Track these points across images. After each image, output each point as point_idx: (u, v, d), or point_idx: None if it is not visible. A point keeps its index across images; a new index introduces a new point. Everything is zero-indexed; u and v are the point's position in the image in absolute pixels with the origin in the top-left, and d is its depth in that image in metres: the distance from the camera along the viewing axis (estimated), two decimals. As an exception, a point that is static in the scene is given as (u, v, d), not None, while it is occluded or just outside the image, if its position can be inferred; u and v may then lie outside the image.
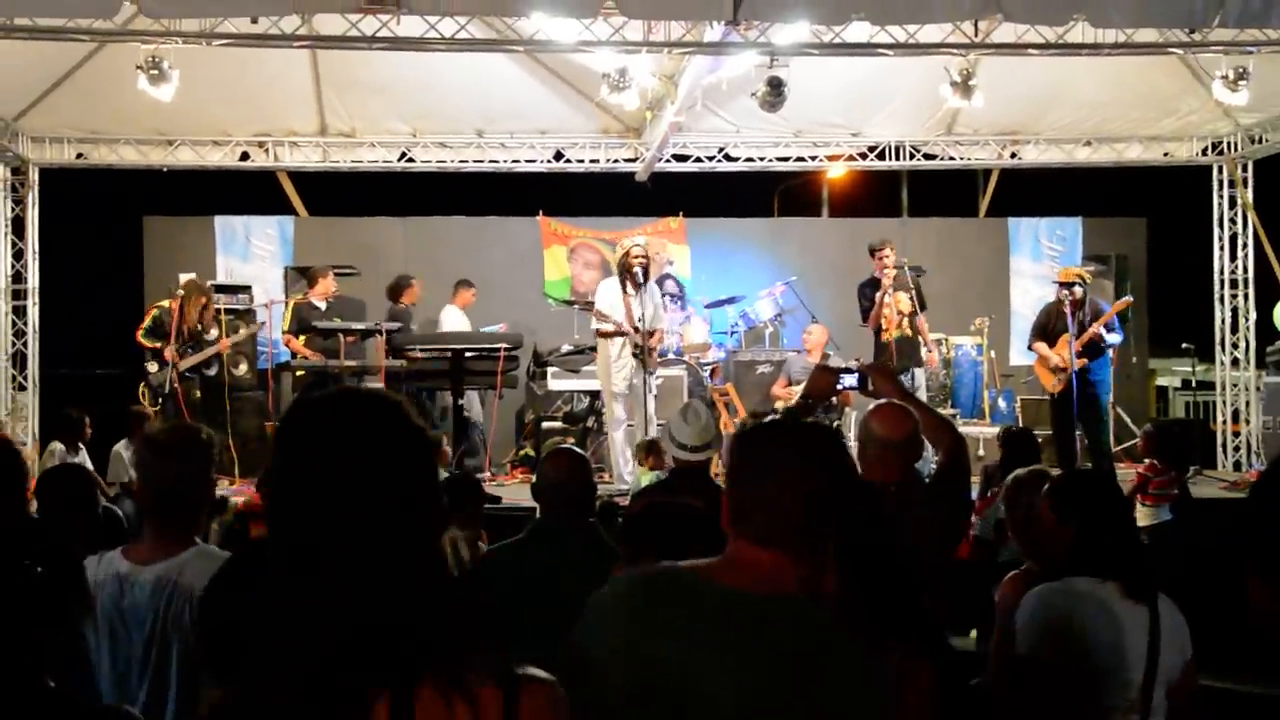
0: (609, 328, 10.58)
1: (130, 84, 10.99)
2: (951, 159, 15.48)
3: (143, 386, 11.19)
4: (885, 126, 14.96)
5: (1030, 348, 11.56)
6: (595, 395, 12.39)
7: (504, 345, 11.60)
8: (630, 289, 10.49)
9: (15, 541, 2.16)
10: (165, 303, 11.43)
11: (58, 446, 10.44)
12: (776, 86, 11.34)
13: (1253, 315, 15.27)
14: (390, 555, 1.67)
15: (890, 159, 15.33)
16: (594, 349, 11.80)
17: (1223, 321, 15.47)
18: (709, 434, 5.72)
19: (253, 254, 15.64)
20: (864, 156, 15.44)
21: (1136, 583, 3.51)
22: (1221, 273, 15.43)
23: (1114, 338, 11.13)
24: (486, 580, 4.25)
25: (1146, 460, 8.95)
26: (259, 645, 1.69)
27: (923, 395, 11.40)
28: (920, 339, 11.74)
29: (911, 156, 15.33)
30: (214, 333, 11.70)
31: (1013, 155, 15.52)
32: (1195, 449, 13.82)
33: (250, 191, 16.89)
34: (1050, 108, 14.56)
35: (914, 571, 3.05)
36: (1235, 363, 15.45)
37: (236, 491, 10.62)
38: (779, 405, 12.01)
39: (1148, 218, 17.10)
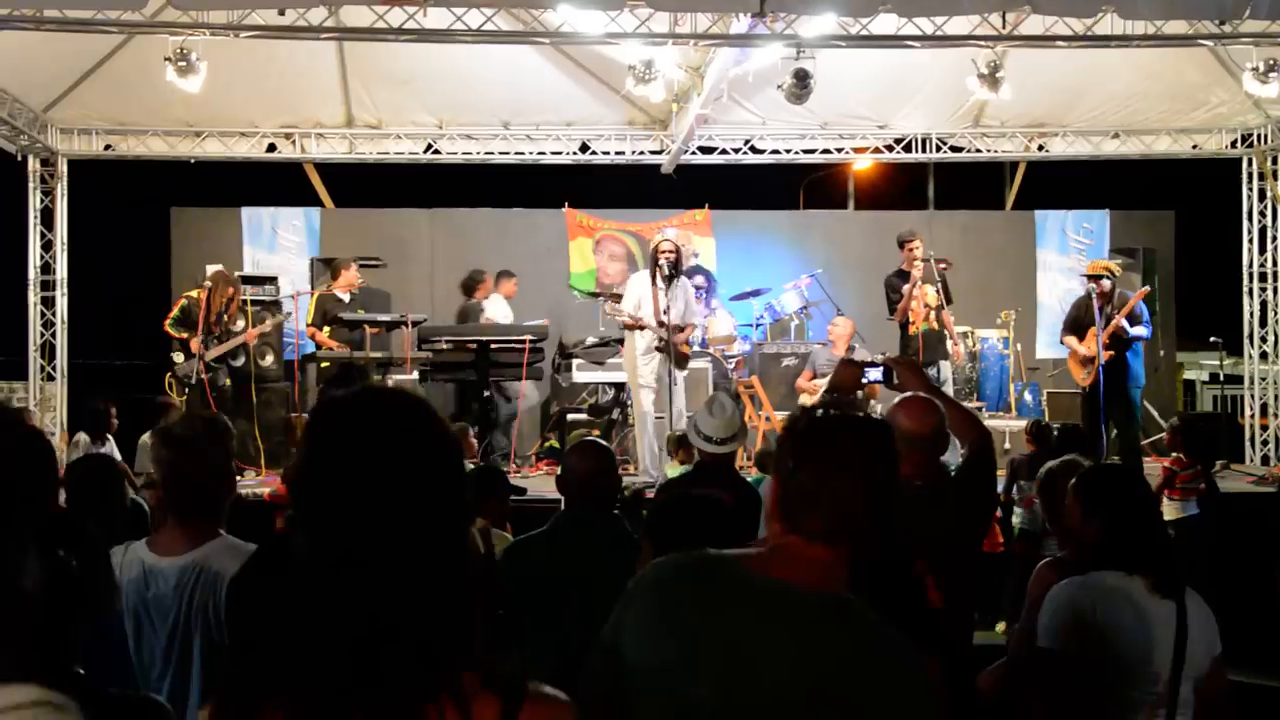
0: (626, 319, 10.58)
1: (158, 76, 11.03)
2: (979, 151, 15.42)
3: (169, 377, 11.24)
4: (912, 119, 14.92)
5: (1062, 341, 11.52)
6: (620, 387, 12.39)
7: (529, 337, 11.61)
8: (659, 282, 10.48)
9: (47, 531, 2.17)
10: (193, 293, 11.47)
11: (82, 438, 10.48)
12: (803, 78, 11.31)
13: (1281, 308, 15.20)
14: (413, 555, 1.66)
15: (917, 151, 15.30)
16: (620, 341, 11.80)
17: (1251, 315, 15.38)
18: (734, 426, 5.72)
19: (279, 245, 15.69)
20: (890, 149, 15.41)
21: (1164, 577, 3.49)
22: (1250, 266, 15.33)
23: (1139, 330, 11.05)
24: (505, 581, 4.25)
25: (1173, 454, 8.91)
26: (275, 642, 1.69)
27: (948, 389, 11.36)
28: (946, 332, 11.69)
29: (938, 149, 15.29)
30: (240, 324, 11.75)
31: (1040, 148, 15.46)
32: (1223, 443, 13.77)
33: (277, 183, 16.97)
34: (1078, 100, 14.50)
35: (911, 567, 3.02)
36: (1264, 356, 15.36)
37: (262, 482, 10.70)
38: (804, 399, 12.00)
39: (1176, 210, 16.99)
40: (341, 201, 16.64)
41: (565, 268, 15.82)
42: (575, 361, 12.89)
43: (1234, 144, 15.30)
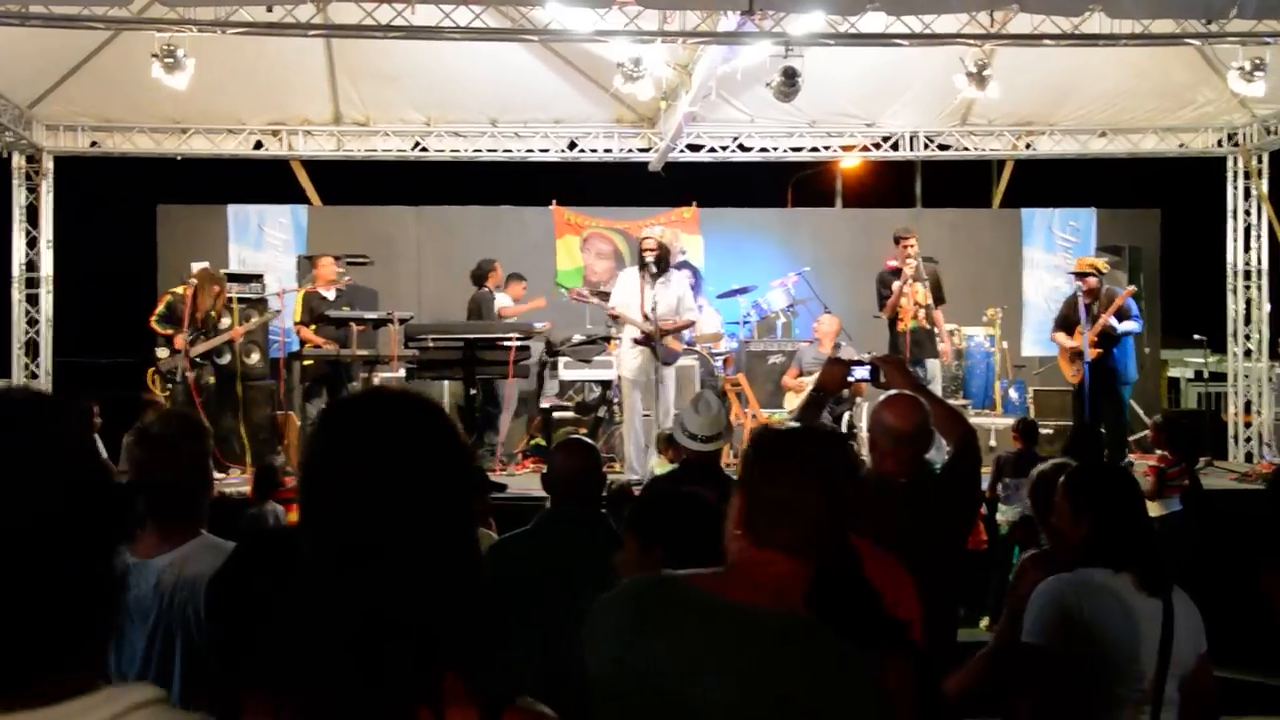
0: (609, 308, 10.64)
1: (145, 72, 11.02)
2: (966, 150, 15.46)
3: (151, 373, 11.21)
4: (900, 117, 14.95)
5: (1053, 338, 11.56)
6: (606, 385, 12.39)
7: (515, 335, 11.60)
8: (645, 278, 10.48)
9: None
10: (179, 290, 11.45)
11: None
12: (791, 76, 11.33)
13: (1266, 307, 15.24)
14: (419, 553, 1.65)
15: (905, 149, 15.34)
16: (606, 339, 11.81)
17: (1235, 313, 15.42)
18: (720, 424, 5.72)
19: (266, 242, 15.66)
20: (878, 147, 15.44)
21: (1151, 575, 3.51)
22: (1235, 264, 15.38)
23: (1127, 325, 11.09)
24: (488, 580, 4.24)
25: (1159, 452, 8.93)
26: (272, 637, 1.68)
27: (936, 387, 11.38)
28: (936, 331, 11.71)
29: (926, 147, 15.32)
30: (226, 321, 11.72)
31: (1027, 146, 15.50)
32: (1205, 440, 13.82)
33: (264, 180, 16.92)
34: (1065, 98, 14.54)
35: (862, 576, 3.03)
36: (1248, 354, 15.41)
37: (246, 480, 10.67)
38: (790, 397, 12.02)
39: (1162, 209, 17.03)
40: (329, 199, 16.60)
41: (552, 265, 15.81)
42: (562, 359, 12.88)
43: (1220, 143, 15.35)
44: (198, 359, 11.22)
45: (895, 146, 15.31)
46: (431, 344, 11.63)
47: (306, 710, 1.60)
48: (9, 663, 1.28)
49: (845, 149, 15.81)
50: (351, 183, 17.69)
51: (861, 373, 4.71)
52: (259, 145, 14.89)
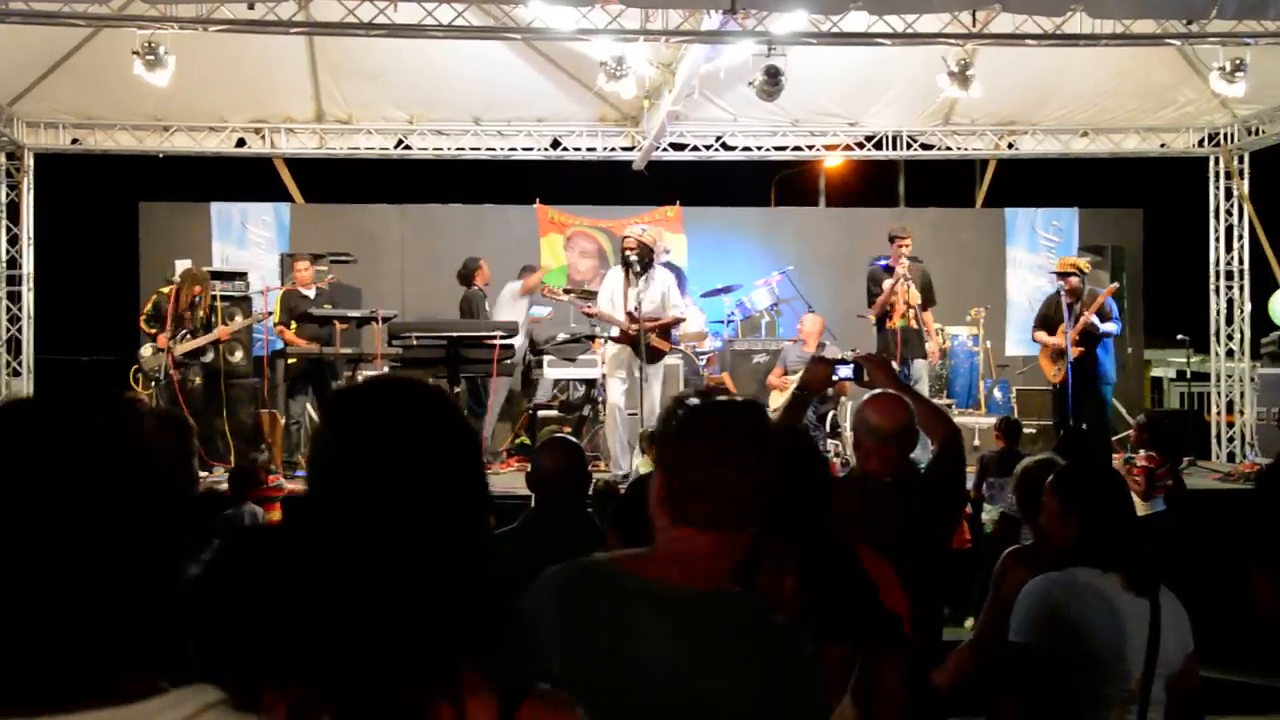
0: (584, 306, 10.66)
1: (126, 69, 10.97)
2: (949, 149, 15.48)
3: (134, 370, 11.18)
4: (883, 116, 14.96)
5: (1033, 338, 11.57)
6: (591, 384, 12.39)
7: (500, 333, 11.58)
8: (629, 277, 10.48)
9: None
10: (165, 289, 11.44)
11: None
12: (774, 75, 11.33)
13: (1248, 307, 15.31)
14: (431, 545, 1.64)
15: (887, 149, 15.34)
16: (591, 338, 11.80)
17: (1218, 313, 15.49)
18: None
19: (249, 240, 15.62)
20: (861, 146, 15.44)
21: (1138, 575, 3.51)
22: (1217, 264, 15.44)
23: (1109, 327, 11.13)
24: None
25: (1143, 452, 8.95)
26: (292, 632, 1.67)
27: (924, 387, 11.41)
28: (925, 332, 11.72)
29: (909, 146, 15.33)
30: (203, 315, 11.66)
31: (1010, 146, 15.53)
32: (1189, 440, 13.86)
33: (247, 178, 16.86)
34: (1047, 98, 14.57)
35: (859, 569, 3.03)
36: (1230, 354, 15.47)
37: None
38: (774, 395, 12.02)
39: (1144, 209, 17.09)
40: (312, 197, 16.55)
41: (536, 264, 15.77)
42: (546, 358, 12.87)
43: (1201, 143, 15.40)
44: (180, 358, 11.19)
45: (878, 146, 15.32)
46: (415, 342, 11.60)
47: (324, 706, 1.59)
48: (94, 662, 1.28)
49: (828, 148, 15.82)
50: (334, 181, 17.65)
51: (846, 372, 4.70)
52: (241, 143, 14.83)
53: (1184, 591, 3.63)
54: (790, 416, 4.66)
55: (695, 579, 2.16)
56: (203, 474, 8.77)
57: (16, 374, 14.37)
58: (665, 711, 2.09)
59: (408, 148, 15.05)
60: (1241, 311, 15.33)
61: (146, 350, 11.20)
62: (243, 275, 13.32)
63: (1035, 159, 15.79)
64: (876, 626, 2.92)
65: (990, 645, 3.95)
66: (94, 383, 12.69)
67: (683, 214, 16.14)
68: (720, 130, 14.99)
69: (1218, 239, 15.44)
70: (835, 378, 4.77)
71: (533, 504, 4.67)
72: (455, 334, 11.56)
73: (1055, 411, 11.46)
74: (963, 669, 3.98)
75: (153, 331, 11.22)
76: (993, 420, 11.58)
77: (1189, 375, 18.36)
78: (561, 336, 13.24)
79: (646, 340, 10.26)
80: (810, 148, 15.56)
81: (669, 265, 13.68)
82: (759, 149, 15.32)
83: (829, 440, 11.54)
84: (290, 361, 12.24)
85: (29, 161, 14.50)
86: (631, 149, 15.16)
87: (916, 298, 11.55)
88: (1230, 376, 15.47)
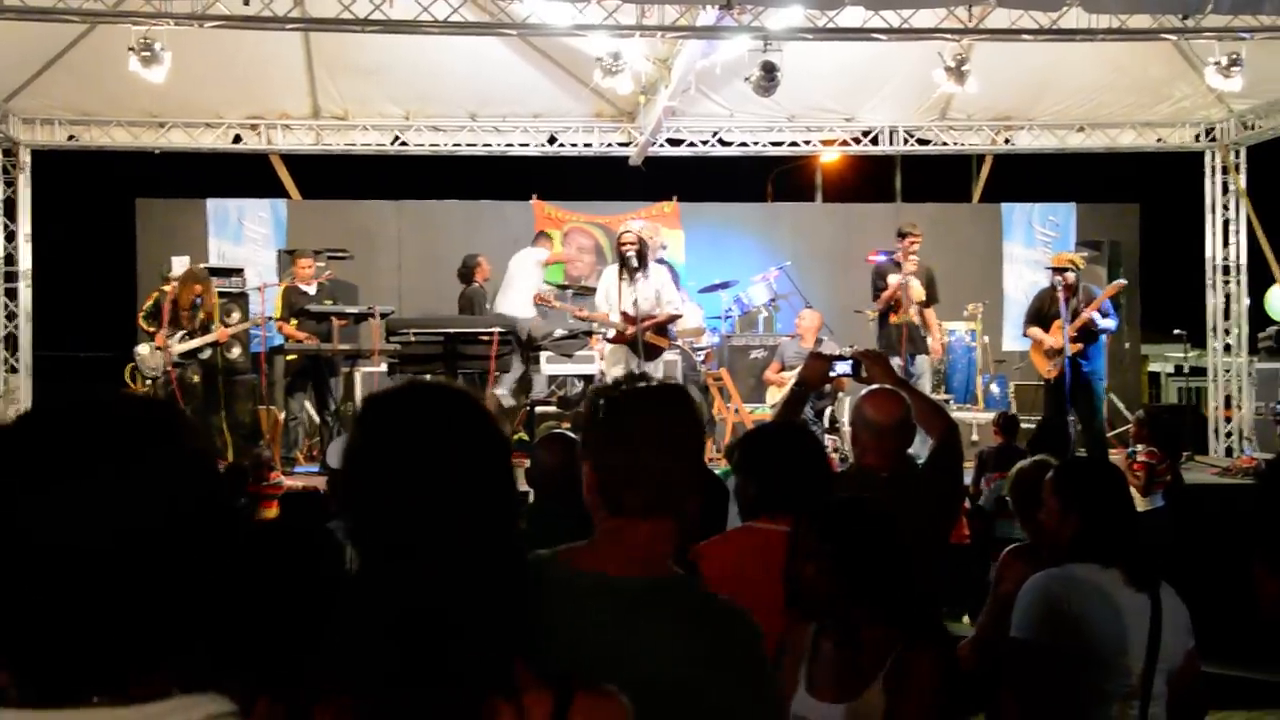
0: (574, 312, 10.70)
1: (122, 65, 10.96)
2: (945, 144, 15.47)
3: (130, 368, 11.17)
4: (879, 111, 14.95)
5: (1025, 334, 11.55)
6: (589, 380, 12.38)
7: (497, 330, 11.60)
8: (625, 275, 10.48)
9: None
10: (166, 288, 11.43)
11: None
12: (770, 71, 11.31)
13: (1245, 301, 15.31)
14: (467, 546, 1.65)
15: (884, 144, 15.33)
16: (589, 334, 11.81)
17: (1215, 308, 15.47)
18: (701, 419, 5.71)
19: (245, 237, 15.62)
20: (858, 141, 15.43)
21: (1139, 570, 3.51)
22: (1214, 259, 15.42)
23: (1108, 323, 11.11)
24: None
25: (1142, 447, 8.95)
26: (335, 637, 1.68)
27: (926, 383, 11.42)
28: (927, 330, 11.72)
29: (905, 141, 15.32)
30: (202, 316, 11.64)
31: (1006, 141, 15.52)
32: (1187, 435, 13.87)
33: (243, 174, 16.86)
34: (1044, 93, 14.56)
35: (908, 559, 3.05)
36: (1227, 349, 15.46)
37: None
38: (772, 391, 12.03)
39: (1141, 203, 17.12)
40: (308, 193, 16.56)
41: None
42: (544, 354, 12.86)
43: (1198, 138, 15.39)
44: (179, 358, 11.18)
45: (875, 141, 15.31)
46: (413, 338, 11.63)
47: (378, 711, 1.60)
48: (108, 660, 1.28)
49: (825, 143, 15.80)
50: (331, 177, 17.64)
51: (843, 368, 4.70)
52: (237, 139, 14.80)
53: (1184, 586, 3.63)
54: (788, 412, 4.66)
55: (634, 567, 2.19)
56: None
57: (14, 370, 14.34)
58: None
59: (404, 144, 15.02)
60: (1239, 306, 15.31)
61: (144, 349, 11.19)
62: (239, 271, 13.32)
63: (1032, 154, 15.78)
64: (910, 619, 2.94)
65: (991, 643, 3.96)
66: (94, 381, 12.70)
67: (680, 209, 16.15)
68: (717, 126, 14.97)
69: (1214, 234, 15.43)
70: (833, 373, 4.77)
71: (530, 500, 4.66)
72: (453, 330, 11.59)
73: (1048, 406, 11.44)
74: (964, 666, 3.99)
75: (151, 329, 11.21)
76: (990, 415, 11.59)
77: (1186, 370, 18.42)
78: (559, 333, 13.23)
79: (644, 338, 10.26)
80: (807, 143, 15.54)
81: (661, 262, 13.69)
82: (755, 144, 15.30)
83: (827, 436, 11.55)
84: (290, 358, 12.24)
85: (25, 158, 14.47)
86: (628, 145, 15.15)
87: (920, 294, 11.55)
88: (1228, 371, 15.46)
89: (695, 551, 3.37)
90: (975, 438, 11.67)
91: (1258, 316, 15.32)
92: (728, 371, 12.43)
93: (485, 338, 11.51)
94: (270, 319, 12.41)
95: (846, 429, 9.22)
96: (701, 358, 12.92)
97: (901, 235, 11.76)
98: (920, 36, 11.10)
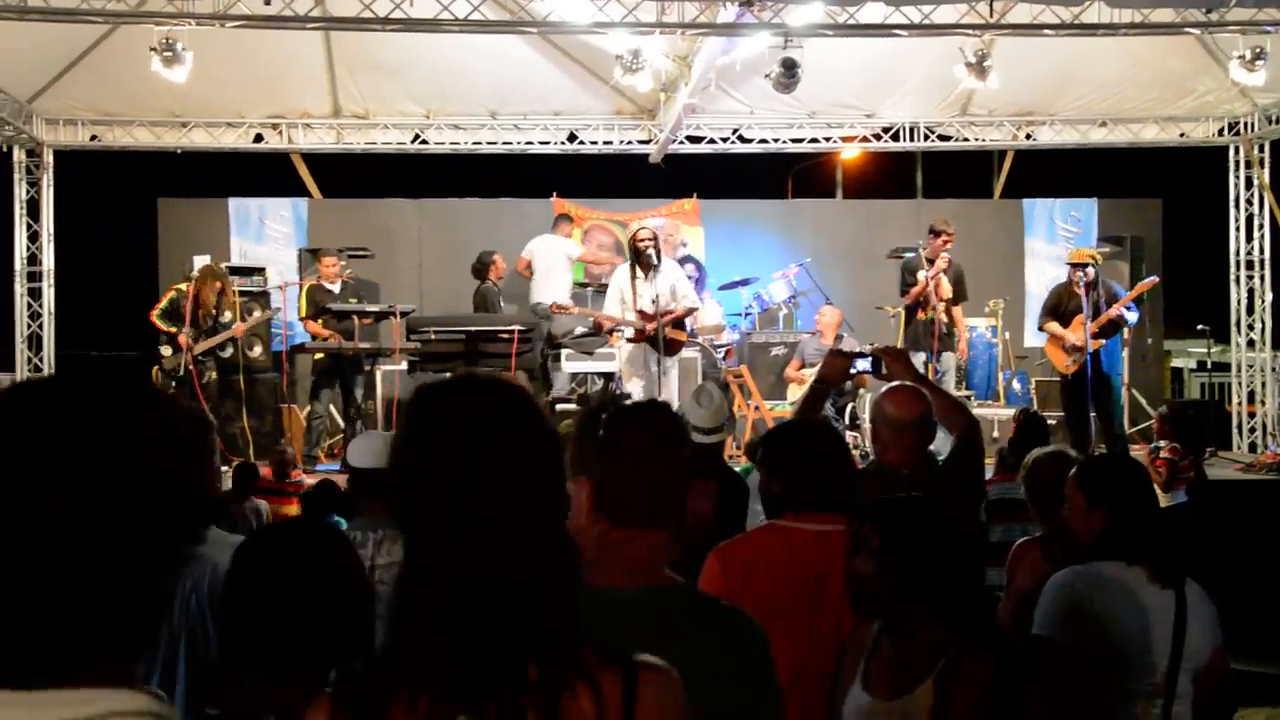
0: (591, 313, 10.71)
1: (144, 66, 11.02)
2: (966, 140, 15.42)
3: (155, 370, 11.22)
4: (900, 108, 14.91)
5: (1041, 328, 11.50)
6: (609, 377, 12.39)
7: (518, 328, 11.60)
8: (638, 272, 10.49)
9: None
10: (182, 286, 11.46)
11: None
12: (790, 67, 11.30)
13: (1269, 296, 15.22)
14: (523, 540, 1.67)
15: (905, 140, 15.29)
16: (610, 331, 11.82)
17: (1238, 303, 15.41)
18: (722, 416, 5.71)
19: (267, 236, 15.66)
20: (878, 138, 15.40)
21: (1163, 567, 3.49)
22: (1237, 254, 15.36)
23: (1132, 316, 11.09)
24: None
25: (1165, 443, 8.90)
26: (399, 630, 1.69)
27: (950, 379, 11.40)
28: (955, 328, 11.69)
29: (926, 138, 15.29)
30: (228, 316, 11.70)
31: (1028, 136, 15.46)
32: (1210, 430, 13.80)
33: (264, 173, 16.92)
34: (1066, 88, 14.51)
35: (966, 560, 3.07)
36: (1251, 344, 15.38)
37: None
38: (792, 388, 12.02)
39: (1163, 199, 17.03)
40: (329, 192, 16.59)
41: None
42: (564, 352, 12.86)
43: (1221, 132, 15.32)
44: (199, 356, 11.22)
45: (895, 137, 15.28)
46: (434, 336, 11.64)
47: (464, 704, 1.61)
48: (36, 646, 1.26)
49: (845, 140, 15.77)
50: (352, 175, 17.70)
51: (863, 365, 4.70)
52: (259, 138, 14.86)
53: (1209, 583, 3.60)
54: (808, 409, 4.66)
55: (638, 578, 2.27)
56: (223, 469, 8.77)
57: (38, 370, 14.42)
58: None
59: (424, 142, 15.05)
60: (1262, 301, 15.24)
61: (166, 350, 11.23)
62: (260, 270, 13.37)
63: (1053, 149, 15.73)
64: (966, 620, 2.95)
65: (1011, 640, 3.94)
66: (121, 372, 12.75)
67: (700, 207, 16.13)
68: (737, 123, 14.96)
69: (1238, 228, 15.36)
70: (853, 370, 4.77)
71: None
72: (473, 329, 11.59)
73: (1066, 403, 11.39)
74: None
75: (170, 330, 11.25)
76: (1011, 411, 11.53)
77: (1209, 366, 18.30)
78: (579, 330, 13.23)
79: (664, 334, 10.27)
80: (827, 140, 15.51)
81: (689, 260, 13.68)
82: (776, 141, 15.28)
83: (848, 433, 11.52)
84: (317, 357, 12.27)
85: (48, 158, 14.56)
86: (648, 142, 15.15)
87: (949, 291, 11.52)
88: (1251, 367, 15.39)
89: (718, 550, 3.36)
90: (996, 434, 11.63)
91: (1281, 311, 15.25)
92: (748, 368, 12.41)
93: (506, 336, 11.50)
94: (278, 310, 12.44)
95: (867, 426, 9.20)
96: (722, 355, 12.91)
97: (935, 233, 11.72)
98: (941, 32, 11.07)
